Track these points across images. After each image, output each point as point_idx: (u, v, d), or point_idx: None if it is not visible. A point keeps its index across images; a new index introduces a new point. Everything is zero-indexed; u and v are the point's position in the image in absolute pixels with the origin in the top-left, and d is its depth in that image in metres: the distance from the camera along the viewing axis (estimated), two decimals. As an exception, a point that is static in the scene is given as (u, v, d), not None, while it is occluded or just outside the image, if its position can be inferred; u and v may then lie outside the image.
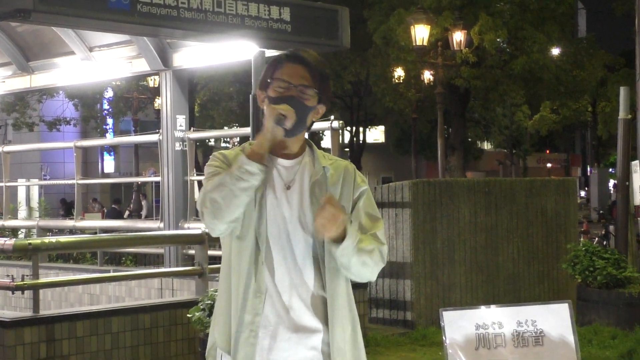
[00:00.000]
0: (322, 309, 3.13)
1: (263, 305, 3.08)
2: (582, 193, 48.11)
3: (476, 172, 48.84)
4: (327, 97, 3.20)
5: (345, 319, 3.16)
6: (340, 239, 3.01)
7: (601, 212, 20.21)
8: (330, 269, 3.12)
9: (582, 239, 14.09)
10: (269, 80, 3.17)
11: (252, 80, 7.36)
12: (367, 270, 3.12)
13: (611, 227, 16.66)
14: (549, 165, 59.65)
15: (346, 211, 3.08)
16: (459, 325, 3.93)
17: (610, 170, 44.45)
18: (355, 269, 3.09)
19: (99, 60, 11.00)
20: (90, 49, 10.94)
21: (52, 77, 11.93)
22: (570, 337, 4.01)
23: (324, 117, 3.46)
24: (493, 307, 4.01)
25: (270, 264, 3.10)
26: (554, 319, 4.03)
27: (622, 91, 11.14)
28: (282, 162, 3.15)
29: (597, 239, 17.59)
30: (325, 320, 3.13)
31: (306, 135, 3.29)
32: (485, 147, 54.20)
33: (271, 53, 9.09)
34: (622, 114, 11.08)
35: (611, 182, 37.48)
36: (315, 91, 3.14)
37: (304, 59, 3.15)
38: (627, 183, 10.99)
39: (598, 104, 42.88)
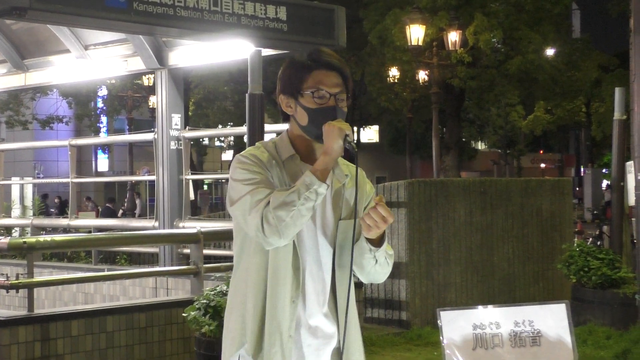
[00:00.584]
0: (336, 314, 3.17)
1: (297, 311, 3.09)
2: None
3: (470, 172, 48.89)
4: (350, 94, 3.22)
5: (355, 323, 3.24)
6: (378, 242, 3.10)
7: (595, 212, 20.22)
8: (343, 274, 3.17)
9: (576, 239, 14.11)
10: (298, 88, 3.12)
11: (249, 79, 7.34)
12: (385, 272, 3.23)
13: (605, 228, 16.67)
14: (542, 165, 59.71)
15: (359, 216, 3.13)
16: (457, 325, 3.92)
17: (604, 170, 44.53)
18: (376, 269, 3.18)
19: (94, 59, 10.97)
20: (86, 47, 10.91)
21: (47, 75, 11.90)
22: (567, 338, 4.00)
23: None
24: (490, 307, 4.00)
25: (304, 270, 3.12)
26: (551, 320, 4.02)
27: (617, 92, 11.15)
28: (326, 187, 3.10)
29: (590, 239, 17.60)
30: (337, 324, 3.17)
31: None
32: (480, 147, 54.26)
33: (267, 52, 9.08)
34: (617, 114, 11.10)
35: (605, 183, 37.54)
36: (349, 96, 3.16)
37: (335, 64, 3.12)
38: (621, 184, 11.00)
39: (592, 105, 42.91)
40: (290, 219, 2.92)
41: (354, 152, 3.03)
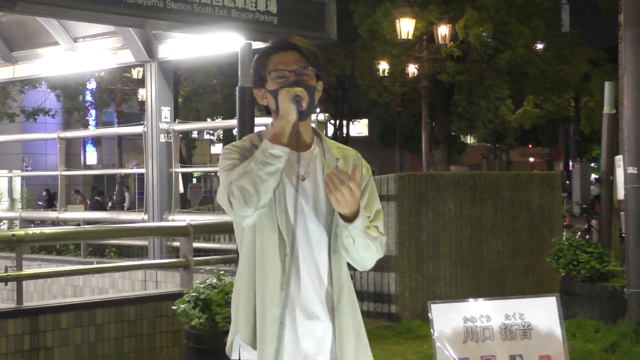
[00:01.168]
0: (331, 300, 3.17)
1: (288, 297, 3.09)
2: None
3: (460, 166, 48.98)
4: (322, 72, 3.25)
5: (348, 307, 3.21)
6: (351, 218, 3.04)
7: (584, 206, 20.24)
8: (336, 258, 3.17)
9: (564, 233, 14.15)
10: (262, 75, 3.18)
11: (239, 72, 7.31)
12: (369, 255, 3.17)
13: (594, 222, 16.73)
14: (531, 159, 59.85)
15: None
16: (448, 318, 3.93)
17: (592, 164, 44.63)
18: (358, 250, 3.13)
19: (83, 51, 10.93)
20: (75, 40, 10.87)
21: (35, 68, 11.85)
22: (557, 331, 4.02)
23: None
24: (481, 300, 4.01)
25: (295, 257, 3.13)
26: (542, 313, 4.04)
27: (607, 86, 11.18)
28: (295, 153, 3.13)
29: (579, 233, 17.66)
30: (332, 309, 3.17)
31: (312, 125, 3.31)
32: (469, 141, 54.33)
33: (258, 45, 9.06)
34: (606, 108, 11.13)
35: (593, 177, 37.60)
36: (313, 69, 3.17)
37: (291, 43, 3.18)
38: (610, 178, 11.04)
39: (581, 99, 43.00)
40: (251, 186, 2.95)
41: (300, 112, 3.04)
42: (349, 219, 3.05)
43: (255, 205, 2.98)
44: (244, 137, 3.28)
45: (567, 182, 42.71)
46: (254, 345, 3.11)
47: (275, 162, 2.97)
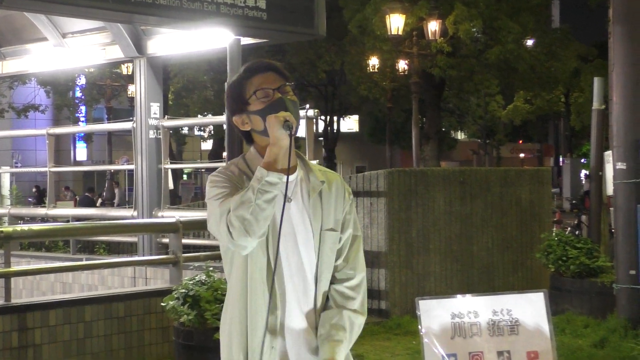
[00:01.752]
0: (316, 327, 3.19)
1: (276, 321, 3.11)
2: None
3: (450, 162, 49.02)
4: (296, 85, 3.27)
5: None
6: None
7: (574, 202, 20.31)
8: (321, 284, 3.17)
9: (554, 229, 14.16)
10: (244, 99, 3.17)
11: (228, 68, 7.31)
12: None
13: (584, 217, 16.75)
14: (522, 155, 59.95)
15: (337, 225, 3.19)
16: (435, 314, 3.92)
17: (583, 160, 44.72)
18: None
19: (72, 47, 10.90)
20: (63, 35, 10.84)
21: (24, 64, 11.82)
22: (545, 327, 4.01)
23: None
24: (469, 296, 4.00)
25: (280, 280, 3.13)
26: (530, 308, 4.03)
27: (596, 82, 11.19)
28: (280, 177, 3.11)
29: (569, 228, 17.69)
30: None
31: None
32: (460, 137, 54.38)
33: (247, 41, 9.05)
34: (595, 104, 11.13)
35: (583, 172, 37.69)
36: (292, 84, 3.19)
37: (268, 64, 3.20)
38: (600, 173, 11.05)
39: (571, 95, 43.11)
40: (251, 215, 2.94)
41: (290, 136, 3.03)
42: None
43: (257, 234, 2.98)
44: (227, 163, 3.27)
45: (560, 177, 42.78)
46: None
47: (273, 189, 2.97)
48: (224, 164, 3.60)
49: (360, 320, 3.20)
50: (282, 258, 3.12)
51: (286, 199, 3.06)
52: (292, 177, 3.13)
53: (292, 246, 3.13)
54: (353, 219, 3.25)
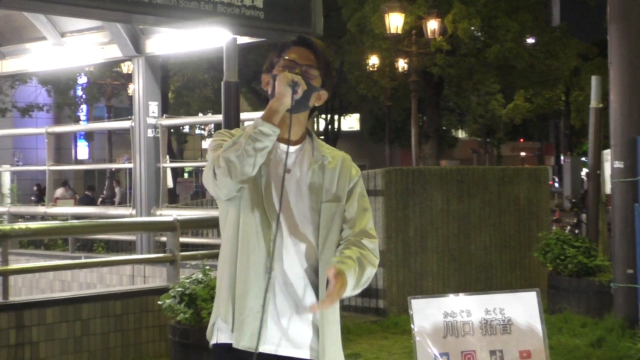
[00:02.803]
0: (315, 290, 3.20)
1: (270, 282, 3.12)
2: (557, 184, 48.36)
3: (450, 161, 48.99)
4: (330, 84, 3.32)
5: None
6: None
7: (574, 200, 20.26)
8: (325, 255, 3.19)
9: (554, 228, 14.16)
10: (274, 62, 3.28)
11: (224, 67, 7.30)
12: (368, 281, 3.25)
13: (583, 216, 16.75)
14: (522, 154, 59.90)
15: (341, 200, 3.23)
16: (428, 313, 3.94)
17: (583, 159, 44.71)
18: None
19: (70, 46, 10.91)
20: (62, 35, 10.86)
21: (23, 63, 11.84)
22: (538, 325, 4.02)
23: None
24: (462, 295, 4.01)
25: (280, 243, 3.16)
26: (522, 307, 4.04)
27: (594, 80, 11.20)
28: (283, 147, 3.21)
29: (569, 227, 17.69)
30: (317, 298, 3.19)
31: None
32: (460, 136, 54.35)
33: (244, 40, 9.06)
34: (593, 102, 11.14)
35: (584, 171, 37.64)
36: (320, 72, 3.24)
37: (311, 42, 3.27)
38: (598, 172, 11.06)
39: (571, 93, 43.08)
40: (237, 158, 3.01)
41: (292, 98, 3.09)
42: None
43: (236, 177, 3.03)
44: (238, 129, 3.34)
45: (555, 177, 42.76)
46: (232, 328, 3.13)
47: (264, 139, 3.03)
48: None
49: (370, 270, 3.22)
50: (282, 222, 3.16)
51: (286, 167, 3.14)
52: (294, 149, 3.22)
53: (289, 213, 3.17)
54: (360, 193, 3.30)
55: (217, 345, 3.21)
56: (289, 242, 3.16)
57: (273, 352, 3.13)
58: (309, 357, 3.19)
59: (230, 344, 3.13)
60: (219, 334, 3.19)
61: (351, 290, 3.13)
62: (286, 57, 3.22)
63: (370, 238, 3.25)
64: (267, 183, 3.16)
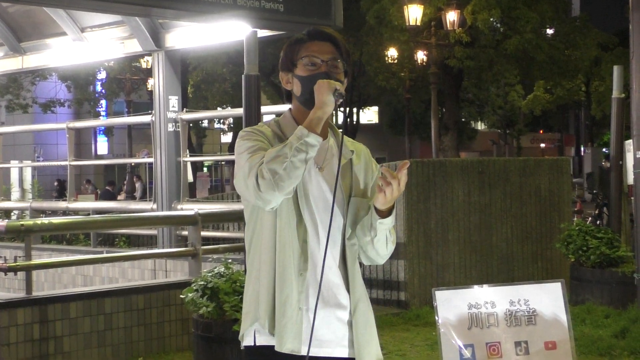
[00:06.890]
0: (347, 287, 3.21)
1: (304, 283, 3.12)
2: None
3: (470, 152, 48.85)
4: (350, 71, 3.29)
5: (364, 296, 3.27)
6: (385, 214, 3.12)
7: (594, 191, 20.18)
8: (352, 251, 3.22)
9: (575, 219, 14.10)
10: (293, 60, 3.21)
11: (245, 61, 7.29)
12: (386, 251, 3.27)
13: (604, 207, 16.67)
14: (542, 145, 59.63)
15: (367, 195, 3.25)
16: (452, 304, 3.92)
17: (604, 150, 44.48)
18: (378, 245, 3.22)
19: (90, 41, 10.94)
20: (82, 30, 10.88)
21: (44, 58, 11.87)
22: (563, 316, 4.00)
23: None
24: (486, 286, 3.99)
25: (312, 242, 3.16)
26: (547, 298, 4.01)
27: (616, 70, 11.12)
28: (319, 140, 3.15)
29: (590, 218, 17.61)
30: (349, 297, 3.21)
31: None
32: (479, 127, 54.17)
33: (264, 33, 9.04)
34: (615, 93, 11.07)
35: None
36: (344, 63, 3.22)
37: (329, 35, 3.23)
38: (620, 162, 10.99)
39: (592, 84, 42.82)
40: (284, 170, 2.96)
41: (337, 103, 3.09)
42: (383, 214, 3.11)
43: (284, 190, 3.00)
44: (259, 124, 3.30)
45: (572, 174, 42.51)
46: (272, 331, 3.12)
47: (310, 150, 3.00)
48: None
49: (394, 241, 3.28)
50: (313, 220, 3.16)
51: (321, 164, 3.15)
52: (323, 144, 3.17)
53: (322, 211, 3.16)
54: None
55: (254, 347, 3.19)
56: (324, 240, 3.16)
57: (315, 354, 3.13)
58: (347, 356, 3.20)
59: (271, 347, 3.12)
60: (257, 336, 3.17)
61: (391, 221, 3.15)
62: (308, 55, 3.17)
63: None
64: (302, 182, 3.13)
